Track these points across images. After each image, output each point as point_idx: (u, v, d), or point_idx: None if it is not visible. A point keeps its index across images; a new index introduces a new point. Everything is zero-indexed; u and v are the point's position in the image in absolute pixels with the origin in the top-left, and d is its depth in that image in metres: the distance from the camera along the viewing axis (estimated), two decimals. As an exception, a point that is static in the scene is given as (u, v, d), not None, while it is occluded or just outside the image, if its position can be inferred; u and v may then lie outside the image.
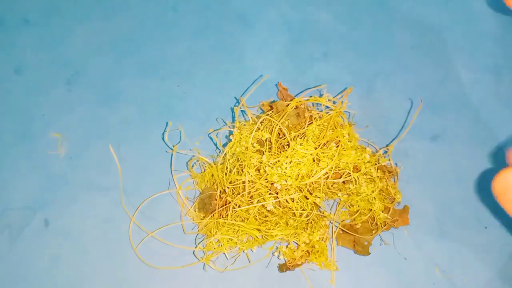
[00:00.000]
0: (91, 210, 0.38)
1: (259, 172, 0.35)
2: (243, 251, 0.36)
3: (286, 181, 0.34)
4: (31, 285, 0.37)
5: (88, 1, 0.44)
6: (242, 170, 0.36)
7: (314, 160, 0.35)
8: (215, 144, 0.40)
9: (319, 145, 0.35)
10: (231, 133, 0.38)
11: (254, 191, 0.35)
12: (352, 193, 0.36)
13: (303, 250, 0.35)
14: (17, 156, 0.40)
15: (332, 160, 0.35)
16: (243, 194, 0.35)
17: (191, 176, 0.39)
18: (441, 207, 0.38)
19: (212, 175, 0.37)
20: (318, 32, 0.43)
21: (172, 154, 0.39)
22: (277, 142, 0.36)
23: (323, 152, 0.35)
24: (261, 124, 0.37)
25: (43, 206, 0.39)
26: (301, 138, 0.36)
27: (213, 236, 0.35)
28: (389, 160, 0.39)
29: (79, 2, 0.44)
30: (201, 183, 0.38)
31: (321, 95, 0.39)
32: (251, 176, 0.35)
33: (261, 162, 0.35)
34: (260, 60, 0.42)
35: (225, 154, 0.37)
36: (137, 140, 0.40)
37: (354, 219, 0.36)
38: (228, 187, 0.36)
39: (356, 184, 0.36)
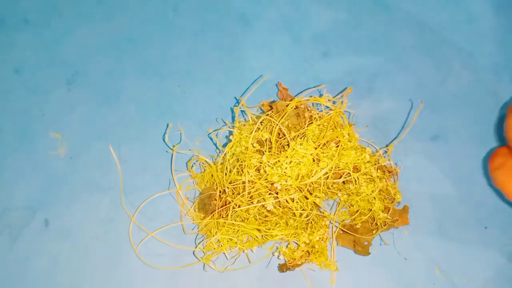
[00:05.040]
0: (91, 210, 0.38)
1: (259, 172, 0.35)
2: (243, 251, 0.36)
3: (286, 181, 0.34)
4: (31, 285, 0.37)
5: (88, 1, 0.44)
6: (242, 170, 0.36)
7: (314, 160, 0.35)
8: (215, 144, 0.40)
9: (319, 145, 0.35)
10: (231, 133, 0.38)
11: (254, 191, 0.35)
12: (352, 193, 0.36)
13: (303, 250, 0.35)
14: (17, 156, 0.40)
15: (332, 160, 0.35)
16: (243, 194, 0.35)
17: (191, 176, 0.39)
18: (441, 207, 0.38)
19: (212, 175, 0.37)
20: (318, 32, 0.43)
21: (172, 154, 0.39)
22: (277, 142, 0.36)
23: (323, 152, 0.35)
24: (261, 124, 0.37)
25: (43, 206, 0.39)
26: (301, 138, 0.36)
27: (213, 236, 0.35)
28: (389, 160, 0.39)
29: (79, 2, 0.44)
30: (201, 183, 0.38)
31: (321, 95, 0.39)
32: (251, 176, 0.35)
33: (261, 162, 0.35)
34: (260, 60, 0.42)
35: (225, 154, 0.37)
36: (137, 140, 0.40)
37: (354, 219, 0.36)
38: (228, 187, 0.36)
39: (356, 184, 0.36)
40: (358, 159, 0.36)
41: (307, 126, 0.36)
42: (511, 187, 0.33)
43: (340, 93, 0.40)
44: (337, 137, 0.36)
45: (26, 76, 0.42)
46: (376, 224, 0.36)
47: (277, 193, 0.35)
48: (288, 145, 0.35)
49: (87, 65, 0.42)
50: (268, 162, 0.35)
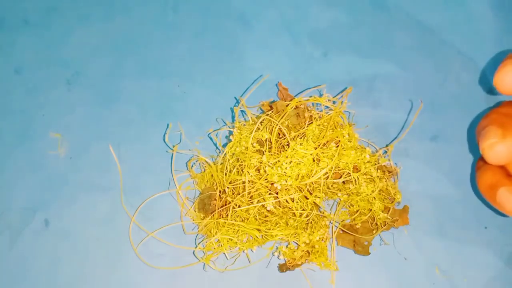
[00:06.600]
0: (91, 210, 0.38)
1: (259, 172, 0.35)
2: (243, 251, 0.36)
3: (286, 181, 0.34)
4: (31, 285, 0.37)
5: (88, 1, 0.44)
6: (242, 170, 0.36)
7: (314, 160, 0.35)
8: (215, 144, 0.40)
9: (319, 145, 0.35)
10: (231, 133, 0.38)
11: (254, 191, 0.35)
12: (352, 193, 0.36)
13: (303, 250, 0.35)
14: (17, 156, 0.40)
15: (332, 160, 0.35)
16: (243, 194, 0.35)
17: (191, 176, 0.39)
18: (441, 207, 0.38)
19: (212, 175, 0.37)
20: (318, 32, 0.43)
21: (172, 154, 0.39)
22: (277, 142, 0.36)
23: (323, 152, 0.35)
24: (261, 124, 0.37)
25: (43, 206, 0.39)
26: (301, 138, 0.36)
27: (213, 236, 0.35)
28: (389, 160, 0.39)
29: (79, 2, 0.44)
30: (201, 183, 0.38)
31: (321, 95, 0.39)
32: (251, 176, 0.35)
33: (261, 162, 0.35)
34: (260, 60, 0.42)
35: (225, 154, 0.37)
36: (137, 140, 0.40)
37: (354, 219, 0.36)
38: (228, 187, 0.36)
39: (356, 184, 0.36)
40: (358, 159, 0.36)
41: (307, 126, 0.36)
42: (481, 186, 0.34)
43: (340, 93, 0.40)
44: (337, 137, 0.36)
45: (26, 76, 0.42)
46: (376, 224, 0.36)
47: (277, 193, 0.35)
48: (288, 145, 0.35)
49: (87, 65, 0.42)
50: (268, 162, 0.35)
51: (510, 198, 0.31)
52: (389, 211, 0.37)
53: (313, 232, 0.35)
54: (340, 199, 0.36)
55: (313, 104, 0.39)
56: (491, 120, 0.32)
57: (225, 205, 0.36)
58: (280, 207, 0.35)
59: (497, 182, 0.32)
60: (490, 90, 0.41)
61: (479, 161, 0.35)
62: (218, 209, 0.36)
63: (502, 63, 0.31)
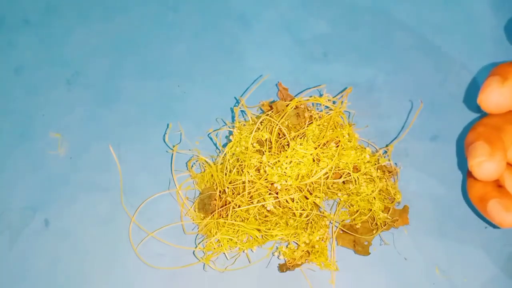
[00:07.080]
0: (91, 210, 0.38)
1: (259, 172, 0.35)
2: (243, 251, 0.36)
3: (286, 181, 0.34)
4: (31, 285, 0.37)
5: (88, 1, 0.44)
6: (242, 170, 0.36)
7: (314, 160, 0.35)
8: (215, 144, 0.40)
9: (319, 145, 0.35)
10: (231, 133, 0.38)
11: (254, 191, 0.35)
12: (352, 193, 0.36)
13: (303, 250, 0.35)
14: (17, 156, 0.40)
15: (332, 160, 0.35)
16: (243, 194, 0.35)
17: (191, 176, 0.39)
18: (441, 207, 0.38)
19: (212, 175, 0.37)
20: (318, 32, 0.43)
21: (172, 154, 0.39)
22: (277, 142, 0.36)
23: (323, 152, 0.35)
24: (261, 124, 0.37)
25: (43, 206, 0.39)
26: (301, 138, 0.36)
27: (213, 236, 0.35)
28: (389, 160, 0.39)
29: (79, 2, 0.44)
30: (201, 183, 0.38)
31: (321, 95, 0.39)
32: (251, 176, 0.35)
33: (261, 162, 0.35)
34: (260, 60, 0.42)
35: (225, 154, 0.37)
36: (137, 140, 0.40)
37: (354, 219, 0.36)
38: (228, 187, 0.36)
39: (356, 184, 0.36)
40: (358, 159, 0.36)
41: (307, 126, 0.36)
42: (472, 197, 0.34)
43: (340, 93, 0.40)
44: (337, 137, 0.36)
45: (26, 76, 0.42)
46: (376, 224, 0.36)
47: (277, 193, 0.35)
48: (288, 145, 0.35)
49: (87, 65, 0.42)
50: (268, 162, 0.35)
51: (500, 211, 0.31)
52: (389, 211, 0.37)
53: (313, 232, 0.35)
54: (340, 199, 0.36)
55: (313, 104, 0.39)
56: (478, 134, 0.32)
57: (225, 205, 0.36)
58: (280, 207, 0.35)
59: (487, 193, 0.32)
60: (477, 107, 0.40)
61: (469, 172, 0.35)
62: (218, 209, 0.36)
63: (485, 82, 0.31)
